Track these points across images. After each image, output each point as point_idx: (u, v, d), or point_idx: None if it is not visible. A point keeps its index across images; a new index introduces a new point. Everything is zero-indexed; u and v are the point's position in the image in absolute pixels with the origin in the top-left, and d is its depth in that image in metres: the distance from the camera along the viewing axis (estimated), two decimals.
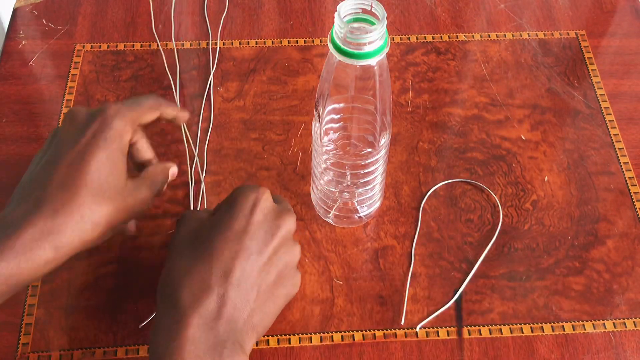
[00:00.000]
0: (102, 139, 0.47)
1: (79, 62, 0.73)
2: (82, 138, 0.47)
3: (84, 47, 0.74)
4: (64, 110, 0.69)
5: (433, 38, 0.76)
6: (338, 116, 0.53)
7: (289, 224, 0.49)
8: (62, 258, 0.45)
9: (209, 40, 0.75)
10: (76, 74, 0.72)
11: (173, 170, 0.53)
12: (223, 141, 0.67)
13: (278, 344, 0.55)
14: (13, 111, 0.69)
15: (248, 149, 0.66)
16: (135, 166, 0.53)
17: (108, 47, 0.74)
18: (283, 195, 0.63)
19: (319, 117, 0.52)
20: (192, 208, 0.61)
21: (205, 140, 0.67)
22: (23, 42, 0.74)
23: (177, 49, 0.74)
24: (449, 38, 0.76)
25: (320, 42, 0.75)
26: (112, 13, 0.77)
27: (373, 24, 0.45)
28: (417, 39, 0.76)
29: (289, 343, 0.55)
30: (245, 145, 0.67)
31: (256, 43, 0.75)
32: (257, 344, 0.55)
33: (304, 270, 0.59)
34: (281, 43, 0.75)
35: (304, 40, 0.75)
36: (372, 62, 0.46)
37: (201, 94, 0.70)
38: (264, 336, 0.55)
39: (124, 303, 0.57)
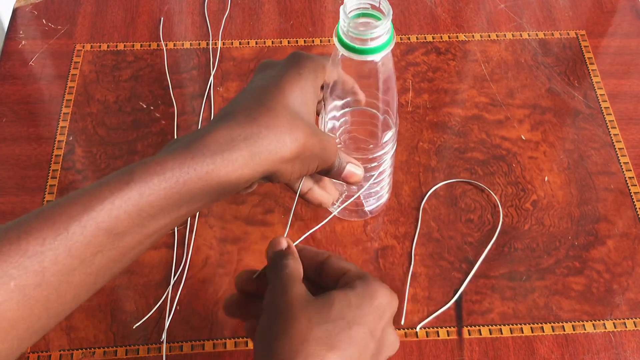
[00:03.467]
0: (299, 71, 0.44)
1: (79, 62, 0.73)
2: (274, 72, 0.45)
3: (84, 47, 0.74)
4: (64, 110, 0.69)
5: (433, 38, 0.76)
6: (342, 111, 0.53)
7: (397, 345, 0.45)
8: (258, 168, 0.41)
9: (209, 40, 0.75)
10: (76, 74, 0.72)
11: (354, 165, 0.49)
12: None
13: None
14: (13, 111, 0.69)
15: None
16: None
17: (108, 47, 0.74)
18: (283, 195, 0.63)
19: (324, 110, 0.53)
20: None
21: None
22: (23, 42, 0.74)
23: (177, 49, 0.74)
24: (449, 38, 0.76)
25: (320, 42, 0.75)
26: (112, 13, 0.77)
27: (379, 19, 0.45)
28: (417, 39, 0.76)
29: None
30: None
31: (256, 43, 0.75)
32: None
33: None
34: (281, 43, 0.75)
35: (304, 40, 0.75)
36: (377, 57, 0.46)
37: (201, 94, 0.70)
38: None
39: (124, 303, 0.57)
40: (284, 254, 0.43)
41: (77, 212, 0.35)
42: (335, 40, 0.46)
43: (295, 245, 0.45)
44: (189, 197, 0.39)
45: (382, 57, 0.46)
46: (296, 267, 0.43)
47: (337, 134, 0.54)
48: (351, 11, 0.45)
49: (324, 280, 0.44)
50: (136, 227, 0.37)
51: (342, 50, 0.46)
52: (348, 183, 0.49)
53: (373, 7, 0.45)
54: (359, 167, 0.49)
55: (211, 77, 0.71)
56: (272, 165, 0.41)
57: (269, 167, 0.41)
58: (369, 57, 0.46)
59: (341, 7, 0.45)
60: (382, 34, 0.45)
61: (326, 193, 0.51)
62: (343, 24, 0.45)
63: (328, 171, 0.47)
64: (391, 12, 0.44)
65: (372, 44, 0.45)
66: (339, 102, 0.52)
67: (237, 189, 0.41)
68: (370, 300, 0.41)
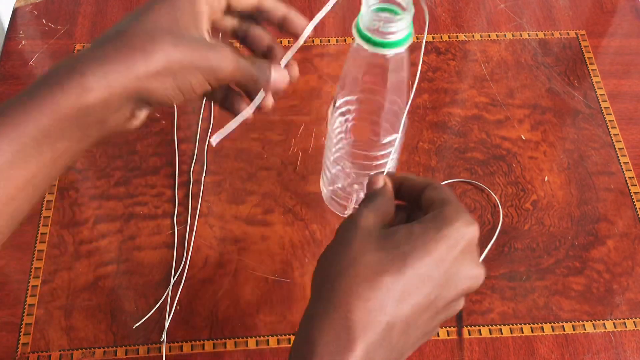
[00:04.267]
0: None
1: None
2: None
3: (83, 47, 0.74)
4: None
5: (433, 38, 0.76)
6: (353, 107, 0.53)
7: (480, 281, 0.40)
8: (114, 90, 0.38)
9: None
10: None
11: (277, 69, 0.45)
12: (223, 141, 0.67)
13: (278, 344, 0.55)
14: None
15: (248, 149, 0.66)
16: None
17: None
18: (282, 195, 0.63)
19: (334, 105, 0.53)
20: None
21: (205, 140, 0.67)
22: (23, 42, 0.74)
23: None
24: (449, 38, 0.76)
25: (320, 42, 0.75)
26: (112, 13, 0.77)
27: (397, 13, 0.46)
28: (417, 38, 0.75)
29: (289, 343, 0.55)
30: (245, 145, 0.67)
31: None
32: (257, 343, 0.55)
33: (304, 271, 0.59)
34: (281, 43, 0.75)
35: (304, 40, 0.75)
36: (396, 51, 0.46)
37: None
38: (264, 336, 0.55)
39: (123, 303, 0.57)
40: (375, 192, 0.42)
41: None
42: (354, 31, 0.46)
43: (398, 176, 0.43)
44: (43, 139, 0.37)
45: (398, 54, 0.46)
46: (383, 204, 0.42)
47: (346, 129, 0.54)
48: (374, 3, 0.46)
49: (424, 212, 0.42)
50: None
51: (358, 40, 0.46)
52: (278, 91, 0.45)
53: (396, 2, 0.46)
54: (286, 70, 0.45)
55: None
56: (130, 83, 0.39)
57: (127, 85, 0.38)
58: (384, 51, 0.46)
59: (363, 0, 0.45)
60: (400, 29, 0.45)
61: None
62: (364, 15, 0.45)
63: (254, 85, 0.44)
64: (412, 10, 0.45)
65: (389, 38, 0.45)
66: (350, 97, 0.52)
67: (102, 118, 0.39)
68: (437, 230, 0.38)
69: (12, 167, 0.36)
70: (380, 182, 0.43)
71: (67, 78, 0.37)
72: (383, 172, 0.43)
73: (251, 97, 0.46)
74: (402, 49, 0.46)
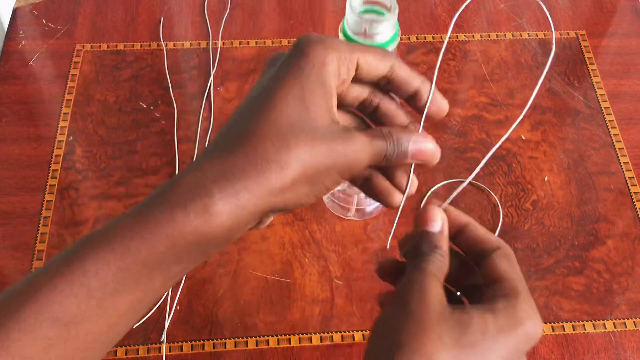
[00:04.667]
0: (296, 68, 0.36)
1: (79, 62, 0.73)
2: (272, 73, 0.37)
3: (84, 47, 0.74)
4: (64, 110, 0.69)
5: (433, 38, 0.76)
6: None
7: None
8: (241, 212, 0.33)
9: (209, 40, 0.75)
10: (76, 74, 0.72)
11: (417, 140, 0.39)
12: None
13: (278, 344, 0.55)
14: (13, 111, 0.69)
15: None
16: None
17: (108, 47, 0.74)
18: None
19: None
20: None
21: (206, 140, 0.67)
22: (23, 42, 0.74)
23: (177, 49, 0.74)
24: (449, 38, 0.76)
25: None
26: (112, 13, 0.77)
27: (382, 14, 0.46)
28: (417, 39, 0.76)
29: (289, 343, 0.55)
30: None
31: (256, 43, 0.75)
32: (257, 343, 0.55)
33: (304, 271, 0.59)
34: (281, 43, 0.75)
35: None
36: None
37: (201, 94, 0.70)
38: (264, 336, 0.56)
39: None
40: (435, 246, 0.37)
41: (14, 306, 0.31)
42: (340, 35, 0.46)
43: (461, 218, 0.38)
44: (156, 265, 0.32)
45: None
46: (443, 264, 0.37)
47: None
48: (358, 5, 0.46)
49: (487, 282, 0.38)
50: (94, 310, 0.31)
51: None
52: (425, 163, 0.40)
53: (380, 3, 0.46)
54: (427, 138, 0.39)
55: (211, 77, 0.71)
56: (263, 200, 0.34)
57: (259, 203, 0.34)
58: None
59: (348, 1, 0.45)
60: (386, 30, 0.45)
61: (393, 183, 0.41)
62: (348, 18, 0.45)
63: (386, 163, 0.38)
64: (397, 10, 0.45)
65: (376, 40, 0.45)
66: None
67: (226, 240, 0.34)
68: (511, 331, 0.35)
69: (116, 296, 0.32)
70: (437, 223, 0.38)
71: (191, 199, 0.32)
72: (439, 203, 0.38)
73: (393, 173, 0.41)
74: (390, 49, 0.46)
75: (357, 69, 0.37)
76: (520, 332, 0.35)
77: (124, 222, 0.32)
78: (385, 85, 0.39)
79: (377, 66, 0.38)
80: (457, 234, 0.38)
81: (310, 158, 0.35)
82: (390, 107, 0.40)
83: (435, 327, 0.33)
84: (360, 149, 0.36)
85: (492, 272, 0.37)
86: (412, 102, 0.40)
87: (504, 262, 0.37)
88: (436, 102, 0.40)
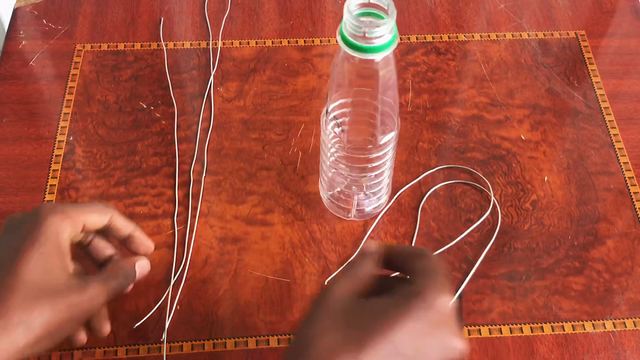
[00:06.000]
0: (35, 238, 0.44)
1: (79, 62, 0.73)
2: (13, 241, 0.44)
3: (84, 47, 0.74)
4: (64, 110, 0.69)
5: (433, 38, 0.76)
6: (341, 110, 0.53)
7: (460, 346, 0.39)
8: None
9: (209, 40, 0.75)
10: (76, 74, 0.72)
11: (141, 264, 0.50)
12: (223, 141, 0.67)
13: (278, 344, 0.55)
14: (13, 111, 0.69)
15: (248, 149, 0.67)
16: (98, 266, 0.51)
17: (108, 47, 0.74)
18: (283, 195, 0.63)
19: (327, 110, 0.53)
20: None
21: (206, 140, 0.67)
22: (23, 42, 0.74)
23: (177, 49, 0.74)
24: (449, 38, 0.76)
25: (320, 42, 0.75)
26: (112, 13, 0.77)
27: (382, 18, 0.45)
28: (417, 39, 0.76)
29: (289, 343, 0.55)
30: (245, 145, 0.67)
31: (256, 43, 0.75)
32: (257, 343, 0.55)
33: (304, 271, 0.59)
34: (281, 43, 0.75)
35: (304, 40, 0.75)
36: (380, 56, 0.46)
37: (201, 94, 0.70)
38: (264, 336, 0.56)
39: (124, 303, 0.57)
40: (354, 262, 0.42)
41: None
42: (338, 38, 0.46)
43: (389, 245, 0.44)
44: None
45: (384, 57, 0.46)
46: (356, 272, 0.41)
47: (338, 133, 0.54)
48: (355, 9, 0.46)
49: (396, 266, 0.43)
50: None
51: (345, 48, 0.46)
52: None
53: (377, 6, 0.45)
54: (144, 260, 0.51)
55: (211, 77, 0.71)
56: (10, 355, 0.41)
57: (8, 357, 0.41)
58: (373, 56, 0.46)
59: (345, 5, 0.45)
60: (385, 33, 0.45)
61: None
62: (347, 22, 0.45)
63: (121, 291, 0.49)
64: (395, 12, 0.44)
65: (375, 43, 0.45)
66: (341, 101, 0.52)
67: None
68: (406, 303, 0.38)
69: None
70: (372, 248, 0.43)
71: None
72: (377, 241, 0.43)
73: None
74: (389, 51, 0.46)
75: (83, 226, 0.47)
76: (417, 304, 0.37)
77: None
78: (107, 232, 0.50)
79: (98, 221, 0.49)
80: (389, 258, 0.43)
81: (51, 317, 0.42)
82: (100, 243, 0.50)
83: (326, 316, 0.38)
84: (96, 295, 0.46)
85: (411, 273, 0.41)
86: (126, 244, 0.51)
87: (419, 261, 0.41)
88: (143, 244, 0.52)
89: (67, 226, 0.46)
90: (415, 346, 0.37)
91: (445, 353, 0.38)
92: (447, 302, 0.38)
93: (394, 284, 0.41)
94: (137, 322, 0.56)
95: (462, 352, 0.39)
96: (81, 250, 0.50)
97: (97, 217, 0.49)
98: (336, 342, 0.36)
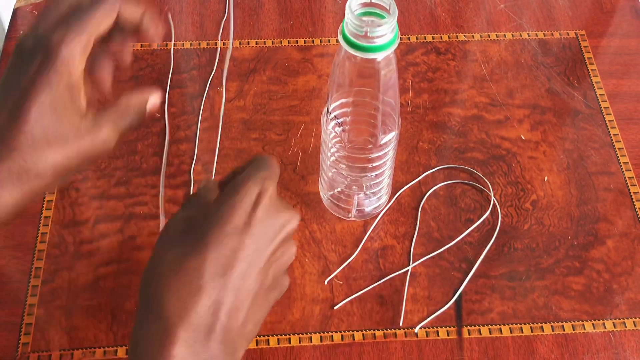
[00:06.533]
0: (45, 78, 0.40)
1: None
2: (22, 78, 0.41)
3: None
4: None
5: (433, 38, 0.76)
6: (342, 110, 0.53)
7: (292, 223, 0.42)
8: (6, 215, 0.40)
9: (209, 40, 0.75)
10: None
11: (153, 99, 0.45)
12: (223, 141, 0.67)
13: (278, 343, 0.55)
14: None
15: (248, 149, 0.67)
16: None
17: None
18: (283, 195, 0.63)
19: (327, 110, 0.53)
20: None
21: (205, 140, 0.67)
22: None
23: (177, 49, 0.74)
24: (449, 38, 0.76)
25: (320, 42, 0.75)
26: None
27: (383, 17, 0.46)
28: (417, 39, 0.76)
29: (289, 343, 0.55)
30: (245, 145, 0.67)
31: (256, 43, 0.75)
32: (257, 343, 0.55)
33: (304, 271, 0.59)
34: (281, 43, 0.75)
35: (304, 40, 0.75)
36: (381, 55, 0.46)
37: (201, 94, 0.70)
38: (264, 336, 0.56)
39: (124, 303, 0.57)
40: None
41: None
42: (339, 37, 0.46)
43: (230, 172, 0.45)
44: None
45: (385, 57, 0.46)
46: (190, 202, 0.43)
47: (339, 133, 0.54)
48: (357, 8, 0.46)
49: None
50: None
51: (346, 48, 0.46)
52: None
53: (379, 5, 0.46)
54: (155, 92, 0.46)
55: (223, 77, 0.71)
56: (21, 203, 0.40)
57: (19, 206, 0.40)
58: (374, 55, 0.46)
59: (347, 4, 0.45)
60: (387, 33, 0.45)
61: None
62: (348, 21, 0.45)
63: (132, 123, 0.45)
64: (396, 12, 0.45)
65: (376, 42, 0.45)
66: (342, 101, 0.52)
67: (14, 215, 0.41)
68: (228, 198, 0.40)
69: None
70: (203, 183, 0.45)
71: None
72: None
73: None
74: (390, 50, 0.46)
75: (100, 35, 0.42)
76: (237, 195, 0.40)
77: None
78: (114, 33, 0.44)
79: (108, 23, 0.43)
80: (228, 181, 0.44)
81: (62, 162, 0.41)
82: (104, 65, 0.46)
83: (165, 241, 0.41)
84: (107, 138, 0.43)
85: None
86: (137, 34, 0.45)
87: (244, 169, 0.42)
88: (157, 27, 0.45)
89: (81, 59, 0.41)
90: (252, 232, 0.40)
91: (283, 228, 0.42)
92: (265, 184, 0.41)
93: None
94: None
95: (296, 221, 0.42)
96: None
97: (104, 23, 0.43)
98: (180, 252, 0.39)
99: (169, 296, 0.38)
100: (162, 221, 0.61)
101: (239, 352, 0.40)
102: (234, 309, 0.39)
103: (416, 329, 0.56)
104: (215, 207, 0.40)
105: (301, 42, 0.75)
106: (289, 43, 0.75)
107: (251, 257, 0.40)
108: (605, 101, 0.71)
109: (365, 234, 0.61)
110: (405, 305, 0.57)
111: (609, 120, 0.69)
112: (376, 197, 0.60)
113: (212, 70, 0.72)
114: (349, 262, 0.60)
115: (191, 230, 0.40)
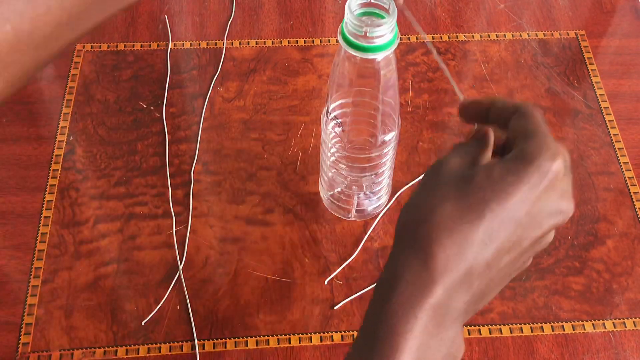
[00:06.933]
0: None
1: (79, 62, 0.73)
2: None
3: (84, 47, 0.74)
4: (65, 110, 0.69)
5: (433, 38, 0.76)
6: (342, 110, 0.53)
7: (567, 215, 0.39)
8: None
9: (209, 40, 0.75)
10: (76, 74, 0.72)
11: None
12: (223, 141, 0.67)
13: (278, 343, 0.55)
14: (13, 111, 0.69)
15: (248, 149, 0.67)
16: None
17: (108, 47, 0.74)
18: (283, 195, 0.63)
19: (327, 110, 0.53)
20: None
21: (206, 140, 0.67)
22: None
23: (177, 49, 0.74)
24: (449, 38, 0.76)
25: (320, 42, 0.75)
26: None
27: (382, 17, 0.46)
28: (417, 39, 0.76)
29: (289, 343, 0.55)
30: (245, 145, 0.67)
31: (256, 43, 0.75)
32: (257, 343, 0.55)
33: (304, 271, 0.59)
34: (281, 43, 0.75)
35: (304, 40, 0.75)
36: (381, 55, 0.46)
37: (201, 94, 0.70)
38: (264, 336, 0.56)
39: (124, 303, 0.57)
40: (472, 136, 0.41)
41: None
42: (339, 37, 0.46)
43: (485, 100, 0.42)
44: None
45: (385, 57, 0.46)
46: (468, 146, 0.40)
47: (339, 133, 0.54)
48: (356, 9, 0.46)
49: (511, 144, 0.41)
50: None
51: (346, 48, 0.46)
52: None
53: (378, 5, 0.46)
54: None
55: (214, 78, 0.71)
56: None
57: None
58: (374, 55, 0.46)
59: (347, 4, 0.45)
60: (386, 33, 0.45)
61: None
62: (348, 21, 0.45)
63: None
64: (396, 12, 0.45)
65: (376, 42, 0.45)
66: (342, 101, 0.52)
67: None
68: (517, 171, 0.37)
69: None
70: (482, 132, 0.41)
71: None
72: (474, 100, 0.42)
73: None
74: (390, 50, 0.46)
75: None
76: (528, 171, 0.37)
77: None
78: None
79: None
80: (487, 114, 0.42)
81: None
82: None
83: (443, 186, 0.38)
84: None
85: (512, 134, 0.40)
86: None
87: (519, 120, 0.40)
88: None
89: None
90: (529, 212, 0.38)
91: (556, 218, 0.39)
92: (558, 165, 0.38)
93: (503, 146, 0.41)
94: (137, 322, 0.56)
95: (570, 213, 0.39)
96: None
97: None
98: (456, 210, 0.37)
99: (438, 253, 0.37)
100: (174, 222, 0.61)
101: (460, 328, 0.39)
102: (485, 288, 0.38)
103: None
104: (502, 174, 0.38)
105: (301, 42, 0.75)
106: (289, 43, 0.75)
107: (518, 240, 0.38)
108: (605, 101, 0.71)
109: (365, 234, 0.61)
110: None
111: (609, 120, 0.69)
112: (376, 197, 0.60)
113: (213, 70, 0.72)
114: (349, 262, 0.60)
115: (470, 190, 0.38)
